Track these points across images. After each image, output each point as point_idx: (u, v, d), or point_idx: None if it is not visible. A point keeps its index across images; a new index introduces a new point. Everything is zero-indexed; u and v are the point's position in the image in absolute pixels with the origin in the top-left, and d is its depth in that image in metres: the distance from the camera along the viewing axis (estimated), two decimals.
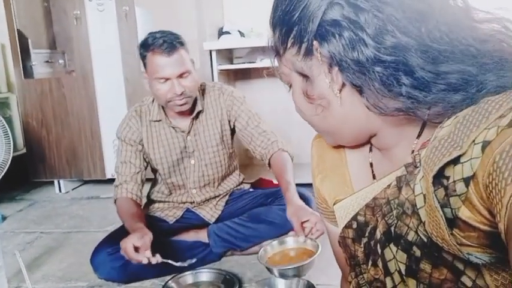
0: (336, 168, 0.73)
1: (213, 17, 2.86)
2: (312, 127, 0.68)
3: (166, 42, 1.63)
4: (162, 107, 1.80)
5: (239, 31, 2.83)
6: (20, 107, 2.89)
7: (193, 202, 1.89)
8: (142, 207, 1.93)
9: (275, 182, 2.38)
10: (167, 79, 1.65)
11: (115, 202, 1.76)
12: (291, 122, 2.77)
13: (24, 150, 2.98)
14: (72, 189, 3.02)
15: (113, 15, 2.66)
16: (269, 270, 1.26)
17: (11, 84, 3.16)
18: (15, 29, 2.75)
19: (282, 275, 1.24)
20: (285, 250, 1.31)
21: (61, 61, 3.10)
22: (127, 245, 1.44)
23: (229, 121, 1.87)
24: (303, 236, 1.32)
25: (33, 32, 2.97)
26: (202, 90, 1.86)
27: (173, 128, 1.80)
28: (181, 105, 1.70)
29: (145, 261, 1.43)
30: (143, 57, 1.69)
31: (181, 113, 1.77)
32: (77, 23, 2.70)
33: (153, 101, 1.83)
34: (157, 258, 1.45)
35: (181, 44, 1.68)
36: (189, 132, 1.82)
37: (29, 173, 2.96)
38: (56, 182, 2.96)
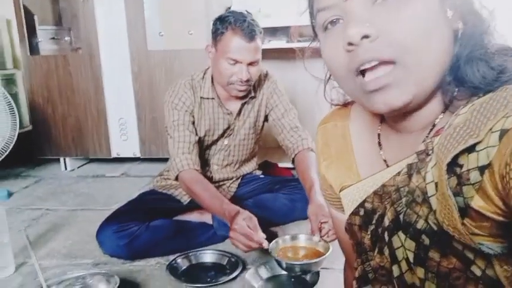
0: (341, 154, 0.72)
1: None
2: (415, 62, 0.52)
3: (249, 27, 1.62)
4: (213, 85, 1.80)
5: (247, 11, 2.79)
6: (26, 83, 2.89)
7: (212, 178, 1.90)
8: (157, 182, 1.95)
9: (280, 165, 2.39)
10: (237, 62, 1.65)
11: (177, 175, 1.70)
12: (297, 104, 2.75)
13: (30, 127, 2.98)
14: (78, 167, 3.03)
15: None
16: (278, 262, 1.27)
17: (17, 61, 3.15)
18: (21, 5, 2.73)
19: (289, 270, 1.26)
20: (296, 246, 1.34)
21: (67, 38, 3.08)
22: (244, 227, 1.37)
23: (266, 108, 1.89)
24: (318, 236, 1.34)
25: (39, 8, 2.94)
26: None
27: (222, 108, 1.81)
28: (241, 90, 1.71)
29: (265, 244, 1.34)
30: (219, 33, 1.67)
31: (235, 96, 1.78)
32: (84, 0, 2.67)
33: (203, 77, 1.82)
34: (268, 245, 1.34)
35: (260, 33, 1.69)
36: (237, 115, 1.84)
37: (34, 150, 2.97)
38: (61, 159, 2.97)
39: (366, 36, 0.51)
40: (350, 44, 0.52)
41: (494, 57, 0.52)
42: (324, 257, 1.25)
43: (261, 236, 1.36)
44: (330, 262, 1.47)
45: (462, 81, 0.53)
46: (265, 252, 1.63)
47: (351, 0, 0.53)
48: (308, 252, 1.32)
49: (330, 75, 0.69)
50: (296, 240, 1.36)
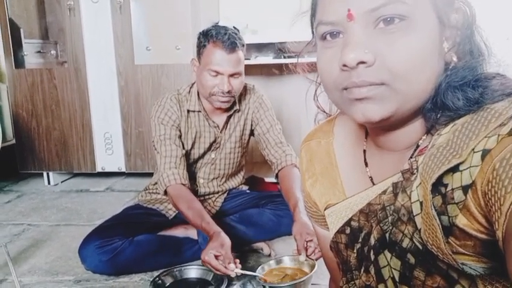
0: (326, 172, 0.72)
1: (209, 12, 2.84)
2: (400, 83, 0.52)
3: (229, 39, 1.64)
4: (199, 99, 1.80)
5: (234, 27, 2.81)
6: (11, 97, 2.85)
7: (197, 192, 1.89)
8: (141, 197, 1.93)
9: (267, 180, 2.39)
10: (219, 74, 1.66)
11: (165, 190, 1.69)
12: (283, 120, 2.77)
13: (14, 141, 2.93)
14: (62, 182, 2.98)
15: (107, 7, 2.63)
16: (264, 287, 1.28)
17: (2, 74, 3.10)
18: (7, 18, 2.71)
19: None
20: (282, 268, 1.35)
21: (53, 52, 3.06)
22: (211, 259, 1.35)
23: (252, 122, 1.90)
24: (304, 255, 1.34)
25: (26, 21, 2.92)
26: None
27: (208, 121, 1.82)
28: (223, 102, 1.71)
29: (232, 275, 1.34)
30: (202, 46, 1.70)
31: (219, 108, 1.79)
32: (70, 14, 2.66)
33: (189, 91, 1.83)
34: (238, 271, 1.35)
35: (242, 45, 1.70)
36: (223, 128, 1.84)
37: (17, 164, 2.92)
38: (45, 174, 2.92)
39: (362, 62, 0.51)
40: (345, 65, 0.52)
41: (477, 84, 0.52)
42: (309, 275, 1.25)
43: (229, 267, 1.34)
44: (319, 279, 1.47)
45: (444, 108, 0.53)
46: (249, 268, 1.62)
47: (354, 21, 0.52)
48: (294, 273, 1.32)
49: None
50: (282, 263, 1.36)
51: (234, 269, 1.35)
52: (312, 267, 1.28)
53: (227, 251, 1.39)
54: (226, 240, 1.42)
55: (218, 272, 1.37)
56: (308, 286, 1.28)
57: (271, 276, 1.31)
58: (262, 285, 1.28)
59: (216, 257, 1.37)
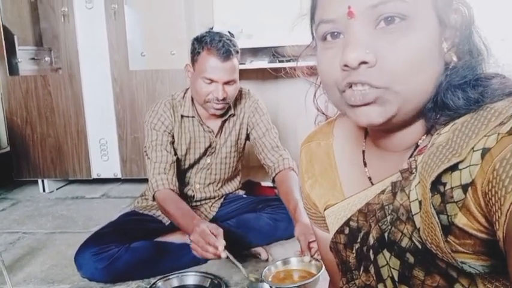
0: (325, 173, 0.72)
1: (203, 17, 2.85)
2: (399, 83, 0.52)
3: (224, 47, 1.64)
4: (193, 104, 1.80)
5: (229, 32, 2.82)
6: (5, 104, 2.83)
7: (194, 197, 1.89)
8: (137, 203, 1.93)
9: (263, 184, 2.38)
10: (213, 81, 1.66)
11: (153, 195, 1.69)
12: (279, 124, 2.77)
13: (8, 149, 2.92)
14: (57, 189, 2.96)
15: (102, 13, 2.63)
16: None
17: None
18: (1, 25, 2.70)
19: None
20: (288, 270, 1.35)
21: (47, 58, 3.05)
22: (205, 230, 1.36)
23: (247, 126, 1.90)
24: (308, 256, 1.35)
25: (20, 28, 2.91)
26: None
27: (203, 126, 1.81)
28: (218, 109, 1.72)
29: (221, 249, 1.33)
30: (196, 53, 1.70)
31: (213, 114, 1.78)
32: (65, 20, 2.66)
33: (183, 97, 1.83)
34: (226, 253, 1.36)
35: (237, 52, 1.70)
36: (217, 133, 1.84)
37: (12, 171, 2.90)
38: (40, 181, 2.90)
39: (363, 62, 0.51)
40: (346, 65, 0.52)
41: (477, 83, 0.52)
42: (317, 275, 1.24)
43: (220, 242, 1.35)
44: (326, 281, 1.46)
45: (445, 107, 0.53)
46: (247, 273, 1.62)
47: (354, 20, 0.52)
48: (302, 274, 1.32)
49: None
50: (288, 264, 1.36)
51: (224, 244, 1.34)
52: (319, 268, 1.28)
53: (220, 233, 1.39)
54: (221, 229, 1.42)
55: (203, 250, 1.35)
56: (316, 286, 1.28)
57: (279, 279, 1.31)
58: (270, 286, 1.28)
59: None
